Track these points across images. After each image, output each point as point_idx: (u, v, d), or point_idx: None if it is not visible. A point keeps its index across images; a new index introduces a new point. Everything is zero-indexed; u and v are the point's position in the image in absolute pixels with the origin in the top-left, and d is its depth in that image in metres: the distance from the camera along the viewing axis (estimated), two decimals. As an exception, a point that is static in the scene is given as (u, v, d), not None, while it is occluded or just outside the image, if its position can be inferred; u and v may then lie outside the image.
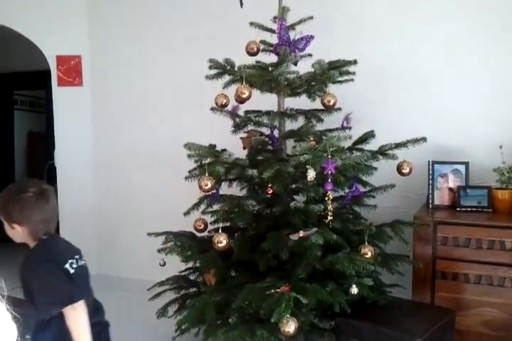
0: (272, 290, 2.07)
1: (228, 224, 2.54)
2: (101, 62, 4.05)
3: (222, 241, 2.22)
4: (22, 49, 4.62)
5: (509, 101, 2.86)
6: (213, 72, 2.50)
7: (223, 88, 2.45)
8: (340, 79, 2.44)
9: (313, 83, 2.43)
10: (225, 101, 2.38)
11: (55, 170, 4.19)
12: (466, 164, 2.78)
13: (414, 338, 2.03)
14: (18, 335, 0.76)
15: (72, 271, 1.76)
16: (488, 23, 2.88)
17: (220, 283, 2.42)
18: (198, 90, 3.14)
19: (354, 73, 2.51)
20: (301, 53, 2.50)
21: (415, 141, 2.40)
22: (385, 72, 3.08)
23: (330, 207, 2.14)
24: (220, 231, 2.29)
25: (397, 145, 2.42)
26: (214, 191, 2.38)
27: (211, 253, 2.40)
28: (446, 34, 2.97)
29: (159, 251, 2.54)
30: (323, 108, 2.40)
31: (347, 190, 2.48)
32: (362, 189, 2.55)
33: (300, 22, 2.52)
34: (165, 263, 2.61)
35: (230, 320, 2.22)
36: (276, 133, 2.59)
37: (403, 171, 2.40)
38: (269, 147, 2.60)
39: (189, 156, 2.35)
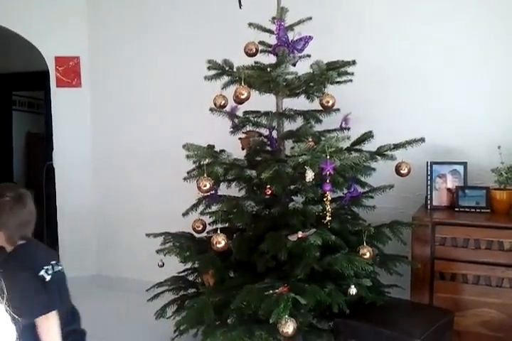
0: (271, 291, 2.07)
1: (227, 224, 2.54)
2: (101, 63, 4.05)
3: (220, 241, 2.23)
4: (21, 49, 4.61)
5: (509, 101, 2.86)
6: (212, 72, 2.50)
7: (222, 89, 2.45)
8: (338, 79, 2.44)
9: (311, 84, 2.43)
10: (223, 101, 2.39)
11: (53, 171, 4.19)
12: (465, 164, 2.78)
13: (412, 339, 2.03)
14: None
15: (48, 277, 1.75)
16: (488, 23, 2.88)
17: (219, 284, 2.42)
18: (197, 90, 3.14)
19: (353, 74, 2.51)
20: (299, 54, 2.50)
21: (414, 141, 2.40)
22: (384, 72, 3.08)
23: (328, 208, 2.14)
24: (218, 231, 2.29)
25: (396, 146, 2.42)
26: (213, 192, 2.38)
27: (210, 254, 2.40)
28: (446, 34, 2.97)
29: (158, 251, 2.54)
30: (321, 109, 2.40)
31: (345, 191, 2.48)
32: (360, 190, 2.56)
33: (299, 23, 2.52)
34: (163, 264, 2.61)
35: (228, 321, 2.22)
36: (274, 133, 2.59)
37: (402, 172, 2.40)
38: (268, 148, 2.60)
39: (188, 157, 2.35)
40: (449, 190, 2.76)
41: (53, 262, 1.82)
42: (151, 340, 3.06)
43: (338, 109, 2.58)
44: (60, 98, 4.08)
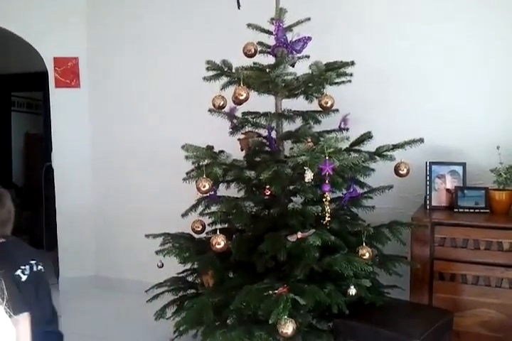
0: (270, 292, 2.07)
1: (226, 225, 2.54)
2: (100, 63, 4.05)
3: (220, 242, 2.23)
4: (19, 50, 4.61)
5: (509, 101, 2.87)
6: (211, 73, 2.50)
7: (221, 89, 2.45)
8: (337, 80, 2.44)
9: (310, 84, 2.43)
10: (222, 102, 2.38)
11: (52, 172, 4.19)
12: (464, 165, 2.78)
13: (412, 339, 2.03)
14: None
15: (23, 278, 1.73)
16: (488, 23, 2.88)
17: (218, 285, 2.42)
18: (196, 91, 3.14)
19: (352, 74, 2.52)
20: (298, 55, 2.50)
21: (413, 142, 2.41)
22: (384, 73, 3.08)
23: (328, 209, 2.14)
24: (218, 232, 2.29)
25: (395, 147, 2.43)
26: (212, 192, 2.38)
27: (209, 255, 2.40)
28: (446, 34, 2.98)
29: (157, 252, 2.54)
30: (320, 109, 2.40)
31: (345, 191, 2.48)
32: (359, 190, 2.56)
33: (297, 23, 2.52)
34: (163, 264, 2.62)
35: (228, 322, 2.23)
36: (273, 134, 2.59)
37: (401, 172, 2.41)
38: (267, 148, 2.60)
39: (187, 158, 2.35)
40: (448, 190, 2.76)
41: (33, 261, 1.79)
42: (151, 341, 3.07)
43: (337, 110, 2.58)
44: (59, 98, 4.08)
